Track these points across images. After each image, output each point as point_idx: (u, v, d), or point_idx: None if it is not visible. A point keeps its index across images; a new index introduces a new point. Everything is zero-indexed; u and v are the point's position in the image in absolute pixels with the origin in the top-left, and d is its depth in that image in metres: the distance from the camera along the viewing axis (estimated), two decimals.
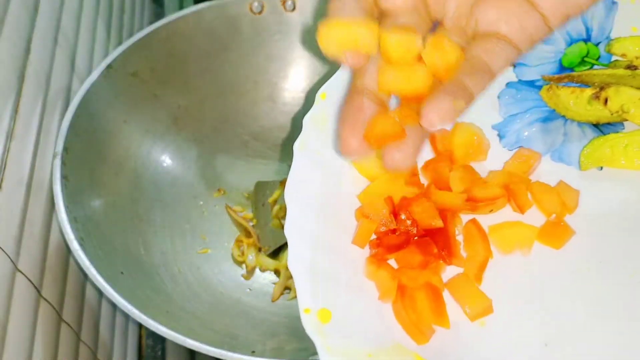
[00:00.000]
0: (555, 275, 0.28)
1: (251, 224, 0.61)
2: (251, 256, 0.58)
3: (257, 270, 0.59)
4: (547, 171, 0.32)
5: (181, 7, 0.82)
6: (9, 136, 0.38)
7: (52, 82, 0.46)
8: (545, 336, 0.26)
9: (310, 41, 0.63)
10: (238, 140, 0.65)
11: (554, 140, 0.34)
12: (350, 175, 0.29)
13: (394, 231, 0.28)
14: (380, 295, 0.26)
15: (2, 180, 0.36)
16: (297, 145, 0.30)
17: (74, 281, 0.45)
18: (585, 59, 0.36)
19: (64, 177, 0.45)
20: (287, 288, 0.57)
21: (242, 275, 0.58)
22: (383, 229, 0.28)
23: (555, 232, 0.29)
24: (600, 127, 0.34)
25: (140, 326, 0.58)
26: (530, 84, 0.35)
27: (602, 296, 0.27)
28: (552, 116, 0.34)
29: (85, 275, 0.47)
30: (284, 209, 0.60)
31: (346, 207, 0.28)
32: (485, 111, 0.28)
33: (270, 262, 0.58)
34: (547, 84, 0.35)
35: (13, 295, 0.35)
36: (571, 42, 0.36)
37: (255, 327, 0.52)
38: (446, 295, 0.28)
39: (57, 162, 0.45)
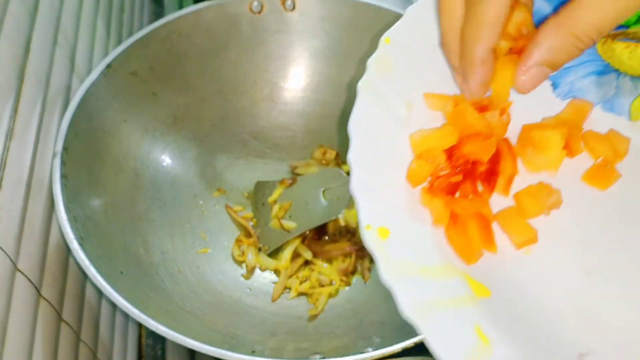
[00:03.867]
0: (600, 213, 0.30)
1: (251, 223, 0.61)
2: (251, 256, 0.58)
3: (257, 269, 0.59)
4: (598, 121, 0.33)
5: (181, 7, 0.81)
6: (9, 136, 0.38)
7: (52, 82, 0.46)
8: (587, 266, 0.28)
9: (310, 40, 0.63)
10: (238, 139, 0.65)
11: (606, 92, 0.34)
12: (411, 116, 0.31)
13: (447, 175, 0.29)
14: (434, 221, 0.28)
15: (1, 179, 0.36)
16: (361, 84, 0.30)
17: (74, 281, 0.45)
18: None
19: (63, 177, 0.45)
20: (287, 288, 0.57)
21: (242, 275, 0.58)
22: (439, 171, 0.29)
23: (603, 174, 0.31)
24: None
25: (140, 326, 0.58)
26: None
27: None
28: (606, 70, 0.35)
29: (85, 275, 0.47)
30: (283, 208, 0.60)
31: (405, 145, 0.30)
32: None
33: (270, 262, 0.58)
34: (602, 39, 0.36)
35: (13, 294, 0.35)
36: None
37: (255, 327, 0.52)
38: (495, 227, 0.30)
39: (57, 162, 0.45)
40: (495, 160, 0.29)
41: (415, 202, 0.28)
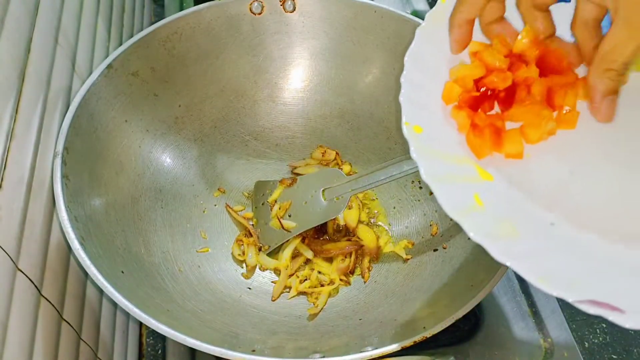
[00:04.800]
0: (586, 133, 0.37)
1: (251, 223, 0.61)
2: (251, 255, 0.58)
3: (257, 269, 0.59)
4: None
5: (181, 7, 0.81)
6: (10, 136, 0.38)
7: (53, 82, 0.46)
8: (572, 166, 0.36)
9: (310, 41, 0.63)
10: (238, 139, 0.65)
11: None
12: (455, 56, 0.39)
13: (473, 96, 0.38)
14: (458, 128, 0.36)
15: (2, 179, 0.36)
16: (419, 30, 0.38)
17: (75, 280, 0.45)
18: None
19: (64, 177, 0.45)
20: (287, 287, 0.57)
21: (242, 274, 0.58)
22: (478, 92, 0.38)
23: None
24: None
25: (140, 325, 0.58)
26: None
27: (617, 146, 0.37)
28: None
29: (85, 275, 0.47)
30: (283, 208, 0.59)
31: (445, 75, 0.38)
32: None
33: (270, 261, 0.58)
34: None
35: (13, 294, 0.35)
36: None
37: (255, 326, 0.52)
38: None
39: (58, 162, 0.45)
40: (511, 89, 0.38)
41: (446, 114, 0.37)
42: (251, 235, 0.60)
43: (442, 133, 0.36)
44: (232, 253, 0.59)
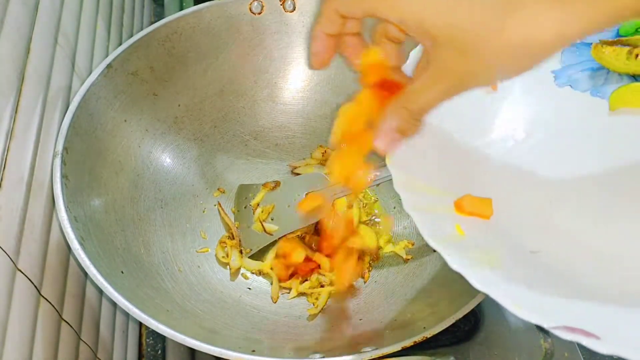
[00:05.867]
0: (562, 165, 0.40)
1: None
2: (234, 257, 0.58)
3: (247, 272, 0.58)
4: (585, 104, 0.42)
5: (181, 7, 0.81)
6: (9, 135, 0.38)
7: (52, 82, 0.46)
8: (550, 196, 0.38)
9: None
10: (238, 139, 0.65)
11: (596, 82, 0.43)
12: None
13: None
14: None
15: (2, 179, 0.36)
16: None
17: (74, 280, 0.45)
18: (638, 29, 0.44)
19: (64, 177, 0.45)
20: (287, 288, 0.57)
21: (242, 275, 0.57)
22: None
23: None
24: (637, 78, 0.43)
25: (140, 325, 0.58)
26: (586, 44, 0.44)
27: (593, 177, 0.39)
28: (599, 68, 0.43)
29: (85, 275, 0.47)
30: (266, 211, 0.59)
31: None
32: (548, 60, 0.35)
33: (253, 264, 0.58)
34: (594, 44, 0.44)
35: (13, 294, 0.35)
36: None
37: (255, 326, 0.52)
38: None
39: (58, 162, 0.45)
40: None
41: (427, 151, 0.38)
42: (234, 238, 0.59)
43: (423, 165, 0.36)
44: (215, 255, 0.58)
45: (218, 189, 0.63)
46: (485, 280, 0.30)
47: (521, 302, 0.29)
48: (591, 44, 0.44)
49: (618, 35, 0.45)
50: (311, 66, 0.39)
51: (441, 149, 0.38)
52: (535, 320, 0.28)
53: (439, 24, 0.29)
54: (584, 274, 0.33)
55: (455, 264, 0.30)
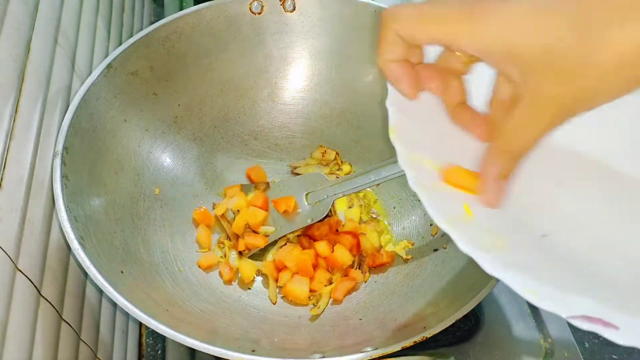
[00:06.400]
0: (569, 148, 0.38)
1: None
2: (233, 258, 0.58)
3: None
4: None
5: (181, 7, 0.81)
6: (9, 135, 0.38)
7: (52, 82, 0.46)
8: (559, 178, 0.36)
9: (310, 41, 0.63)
10: (238, 139, 0.65)
11: None
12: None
13: None
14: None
15: (2, 179, 0.36)
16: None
17: (74, 280, 0.45)
18: None
19: (64, 177, 0.45)
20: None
21: (221, 276, 0.57)
22: None
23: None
24: None
25: (140, 325, 0.58)
26: None
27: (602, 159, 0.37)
28: None
29: (85, 275, 0.47)
30: (260, 216, 0.59)
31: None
32: None
33: (251, 265, 0.57)
34: None
35: (13, 294, 0.35)
36: None
37: (255, 326, 0.52)
38: None
39: (57, 162, 0.45)
40: None
41: (437, 121, 0.35)
42: (230, 239, 0.59)
43: (430, 140, 0.34)
44: (219, 273, 0.57)
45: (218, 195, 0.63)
46: (497, 264, 0.28)
47: (536, 288, 0.28)
48: None
49: None
50: (407, 96, 0.35)
51: (448, 124, 0.35)
52: (551, 308, 0.27)
53: (534, 48, 0.26)
54: (598, 260, 0.32)
55: (465, 246, 0.28)
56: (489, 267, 0.28)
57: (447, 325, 0.42)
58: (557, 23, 0.25)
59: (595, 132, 0.37)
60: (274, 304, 0.55)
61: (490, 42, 0.27)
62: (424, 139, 0.34)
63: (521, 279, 0.28)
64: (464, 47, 0.28)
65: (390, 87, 0.35)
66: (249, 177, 0.63)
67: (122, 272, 0.46)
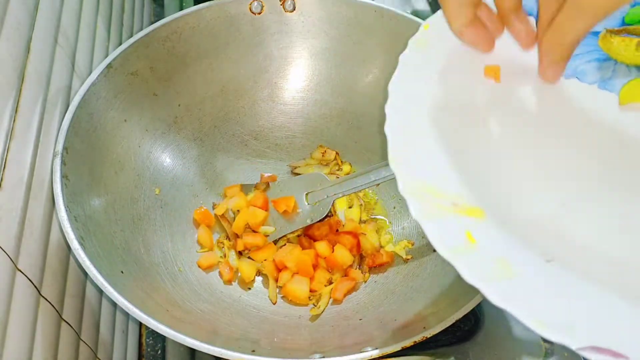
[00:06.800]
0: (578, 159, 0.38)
1: None
2: (232, 259, 0.58)
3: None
4: (592, 97, 0.41)
5: (181, 7, 0.81)
6: (9, 135, 0.38)
7: (52, 82, 0.46)
8: (563, 199, 0.36)
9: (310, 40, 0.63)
10: (238, 139, 0.65)
11: (604, 74, 0.41)
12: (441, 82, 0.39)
13: None
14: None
15: (2, 179, 0.36)
16: (402, 57, 0.38)
17: (74, 280, 0.45)
18: None
19: (64, 177, 0.45)
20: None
21: (221, 276, 0.57)
22: None
23: None
24: None
25: (140, 325, 0.58)
26: (594, 33, 0.43)
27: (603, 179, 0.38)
28: (606, 59, 0.42)
29: (85, 275, 0.47)
30: (260, 216, 0.59)
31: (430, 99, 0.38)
32: None
33: (251, 265, 0.57)
34: (602, 34, 0.42)
35: (13, 294, 0.35)
36: (635, 4, 0.43)
37: (255, 326, 0.52)
38: None
39: (57, 162, 0.45)
40: None
41: (436, 141, 0.36)
42: (230, 239, 0.59)
43: (430, 166, 0.34)
44: (219, 273, 0.57)
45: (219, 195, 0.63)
46: (505, 295, 0.28)
47: (545, 319, 0.27)
48: (599, 33, 0.43)
49: (624, 24, 0.44)
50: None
51: (445, 146, 0.36)
52: (562, 340, 0.27)
53: None
54: (604, 285, 0.31)
55: (469, 277, 0.28)
56: (496, 298, 0.28)
57: (447, 325, 0.42)
58: None
59: (602, 151, 0.38)
60: (274, 304, 0.55)
61: None
62: (425, 164, 0.34)
63: (528, 310, 0.28)
64: None
65: (388, 111, 0.37)
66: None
67: (122, 272, 0.46)
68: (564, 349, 0.53)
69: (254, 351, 0.42)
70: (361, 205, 0.63)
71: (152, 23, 0.57)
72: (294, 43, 0.63)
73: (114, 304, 0.52)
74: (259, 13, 0.61)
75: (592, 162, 0.38)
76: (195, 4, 0.59)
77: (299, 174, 0.64)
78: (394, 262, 0.58)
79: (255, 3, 0.60)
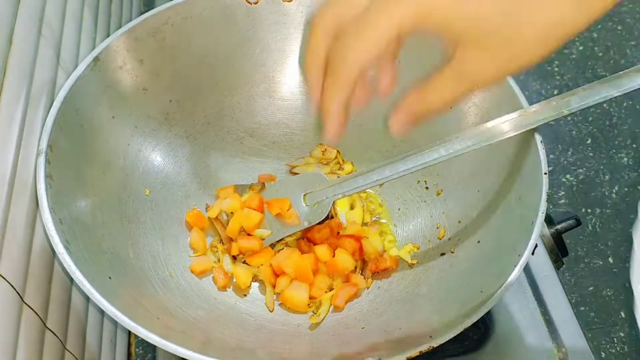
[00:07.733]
0: None
1: None
2: (227, 263, 0.57)
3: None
4: None
5: None
6: None
7: (36, 76, 0.46)
8: None
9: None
10: (233, 137, 0.65)
11: None
12: None
13: None
14: None
15: None
16: None
17: (59, 286, 0.45)
18: None
19: (48, 177, 0.45)
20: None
21: (215, 282, 0.57)
22: None
23: None
24: None
25: (129, 334, 0.58)
26: None
27: None
28: None
29: (71, 280, 0.47)
30: (255, 218, 0.59)
31: None
32: None
33: (247, 270, 0.57)
34: None
35: None
36: None
37: (252, 335, 0.52)
38: None
39: (41, 161, 0.45)
40: None
41: None
42: (224, 243, 0.59)
43: None
44: (213, 278, 0.57)
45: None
46: None
47: None
48: None
49: None
50: (332, 138, 0.42)
51: None
52: None
53: (467, 20, 0.32)
54: None
55: None
56: None
57: (455, 334, 0.42)
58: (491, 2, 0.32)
59: None
60: (271, 311, 0.55)
61: (434, 11, 0.33)
62: None
63: None
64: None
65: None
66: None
67: (110, 277, 0.46)
68: (579, 358, 0.53)
69: None
70: (363, 206, 0.63)
71: (142, 13, 0.57)
72: (293, 35, 0.63)
73: (102, 312, 0.52)
74: (255, 3, 0.61)
75: None
76: None
77: (297, 174, 0.64)
78: (398, 267, 0.58)
79: None
